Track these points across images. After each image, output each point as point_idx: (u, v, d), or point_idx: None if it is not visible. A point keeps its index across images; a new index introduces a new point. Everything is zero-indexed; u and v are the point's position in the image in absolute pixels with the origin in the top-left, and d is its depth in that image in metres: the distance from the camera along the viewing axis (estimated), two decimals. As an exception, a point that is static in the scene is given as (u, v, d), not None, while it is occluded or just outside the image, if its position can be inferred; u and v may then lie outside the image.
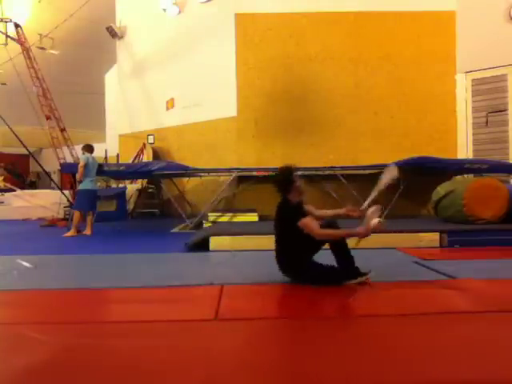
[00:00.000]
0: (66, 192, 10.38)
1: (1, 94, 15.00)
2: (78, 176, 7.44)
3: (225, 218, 7.89)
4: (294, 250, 3.37)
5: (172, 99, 10.88)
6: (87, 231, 7.33)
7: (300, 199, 3.47)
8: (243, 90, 9.26)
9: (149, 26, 11.34)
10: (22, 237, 7.87)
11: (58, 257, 5.16)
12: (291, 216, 3.33)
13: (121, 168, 8.74)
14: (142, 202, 10.99)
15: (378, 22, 9.25)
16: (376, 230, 3.31)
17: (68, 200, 10.03)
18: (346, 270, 3.40)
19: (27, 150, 10.71)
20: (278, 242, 3.45)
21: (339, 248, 3.44)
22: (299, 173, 9.28)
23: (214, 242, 5.18)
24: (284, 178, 3.43)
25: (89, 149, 7.54)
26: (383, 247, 5.11)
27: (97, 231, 7.41)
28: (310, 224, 3.28)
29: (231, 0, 9.65)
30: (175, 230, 7.75)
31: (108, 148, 13.60)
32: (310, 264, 3.39)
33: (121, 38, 12.07)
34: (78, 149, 9.44)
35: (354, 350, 2.16)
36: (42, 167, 11.78)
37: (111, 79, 13.75)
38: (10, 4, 12.97)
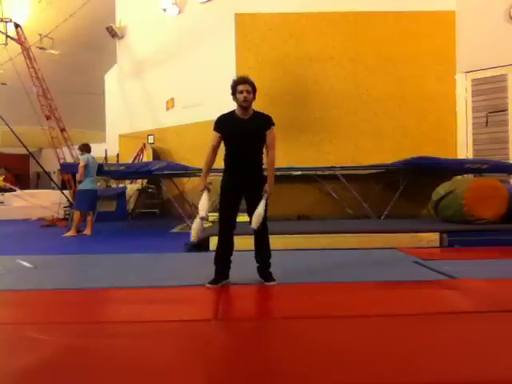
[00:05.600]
0: (66, 192, 10.38)
1: (1, 94, 14.98)
2: (78, 176, 7.43)
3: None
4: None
5: (172, 99, 10.88)
6: (87, 231, 7.32)
7: (239, 109, 3.42)
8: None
9: (149, 26, 11.34)
10: (22, 237, 7.87)
11: (57, 257, 5.15)
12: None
13: (121, 168, 8.73)
14: (142, 202, 10.99)
15: (377, 22, 9.24)
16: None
17: (68, 200, 10.03)
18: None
19: (27, 150, 10.70)
20: None
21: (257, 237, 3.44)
22: (299, 172, 9.26)
23: (214, 242, 5.17)
24: (231, 87, 3.42)
25: (87, 148, 7.52)
26: (383, 247, 5.11)
27: (97, 231, 7.41)
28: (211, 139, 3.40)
29: (231, 0, 9.64)
30: (175, 229, 7.75)
31: (108, 148, 13.60)
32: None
33: (121, 38, 12.07)
34: (78, 149, 9.42)
35: (354, 350, 2.16)
36: (42, 167, 11.78)
37: (111, 79, 13.75)
38: (10, 4, 12.97)
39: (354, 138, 9.18)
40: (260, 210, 3.27)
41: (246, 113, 3.39)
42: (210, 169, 3.45)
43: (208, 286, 3.31)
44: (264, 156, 3.48)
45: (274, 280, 3.41)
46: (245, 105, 3.35)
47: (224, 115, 3.45)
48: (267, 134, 3.41)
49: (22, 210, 11.25)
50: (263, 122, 3.44)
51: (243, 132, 3.35)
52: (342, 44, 9.28)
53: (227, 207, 3.38)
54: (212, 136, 3.41)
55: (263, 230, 3.39)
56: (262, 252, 3.45)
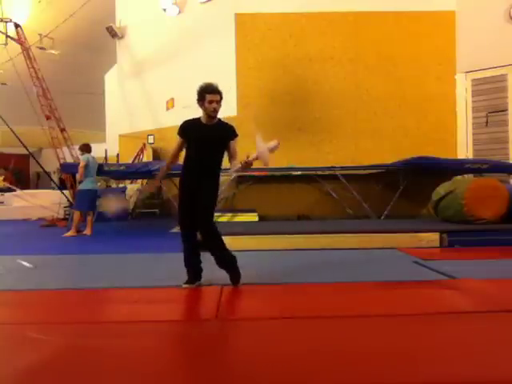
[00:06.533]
0: (66, 191, 10.38)
1: (1, 94, 14.97)
2: (78, 176, 7.43)
3: (225, 218, 7.89)
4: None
5: (172, 99, 10.88)
6: (87, 231, 7.32)
7: (206, 117, 3.41)
8: (243, 90, 9.26)
9: (149, 26, 11.34)
10: (22, 237, 7.86)
11: (57, 257, 5.15)
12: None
13: (121, 168, 8.73)
14: (142, 202, 10.99)
15: (377, 22, 9.25)
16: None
17: (68, 200, 10.03)
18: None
19: (27, 150, 10.69)
20: None
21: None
22: (299, 172, 9.24)
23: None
24: (197, 93, 3.40)
25: (87, 148, 7.52)
26: (383, 247, 5.11)
27: (97, 231, 7.41)
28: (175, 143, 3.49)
29: (231, 0, 9.64)
30: (175, 229, 7.73)
31: (108, 148, 13.59)
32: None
33: (121, 38, 12.07)
34: (78, 149, 9.41)
35: (354, 350, 2.15)
36: (42, 167, 11.76)
37: (111, 79, 13.75)
38: (10, 4, 12.96)
39: (354, 138, 9.18)
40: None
41: (212, 120, 3.41)
42: (170, 166, 3.66)
43: (185, 286, 3.33)
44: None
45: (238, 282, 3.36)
46: (213, 115, 3.37)
47: (189, 121, 3.48)
48: (231, 143, 3.47)
49: (21, 210, 11.24)
50: (228, 132, 3.47)
51: (208, 138, 3.36)
52: (341, 44, 9.28)
53: (185, 210, 3.37)
54: (176, 140, 3.49)
55: (210, 224, 3.36)
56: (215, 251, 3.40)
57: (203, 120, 3.43)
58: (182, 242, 3.43)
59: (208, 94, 3.31)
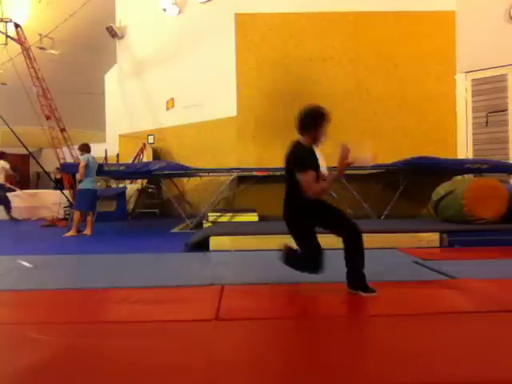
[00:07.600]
0: (66, 192, 10.38)
1: (1, 94, 14.97)
2: (78, 176, 7.45)
3: (225, 218, 7.89)
4: (293, 193, 3.19)
5: (172, 99, 10.88)
6: (87, 231, 7.32)
7: (311, 142, 3.21)
8: (243, 90, 9.26)
9: (149, 26, 11.34)
10: (22, 237, 7.87)
11: (57, 257, 5.15)
12: (299, 158, 3.12)
13: (121, 168, 8.73)
14: (142, 202, 10.99)
15: (377, 22, 9.25)
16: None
17: (68, 200, 10.03)
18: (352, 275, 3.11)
19: (27, 150, 10.69)
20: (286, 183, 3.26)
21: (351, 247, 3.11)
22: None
23: (214, 241, 5.17)
24: (312, 116, 3.18)
25: (86, 148, 7.53)
26: (383, 247, 5.11)
27: (97, 231, 7.41)
28: (310, 182, 3.07)
29: (231, 0, 9.64)
30: (175, 229, 7.75)
31: (108, 148, 13.60)
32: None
33: (121, 38, 12.08)
34: (78, 149, 9.41)
35: (354, 350, 2.16)
36: (42, 167, 11.76)
37: (111, 79, 13.75)
38: (10, 4, 12.96)
39: (354, 138, 9.17)
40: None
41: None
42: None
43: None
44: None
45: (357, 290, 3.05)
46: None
47: (305, 149, 3.21)
48: None
49: (22, 210, 11.24)
50: None
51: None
52: (341, 44, 9.27)
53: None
54: (310, 176, 3.14)
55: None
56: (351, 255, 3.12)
57: (309, 145, 3.22)
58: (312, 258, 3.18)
59: (326, 122, 3.16)
